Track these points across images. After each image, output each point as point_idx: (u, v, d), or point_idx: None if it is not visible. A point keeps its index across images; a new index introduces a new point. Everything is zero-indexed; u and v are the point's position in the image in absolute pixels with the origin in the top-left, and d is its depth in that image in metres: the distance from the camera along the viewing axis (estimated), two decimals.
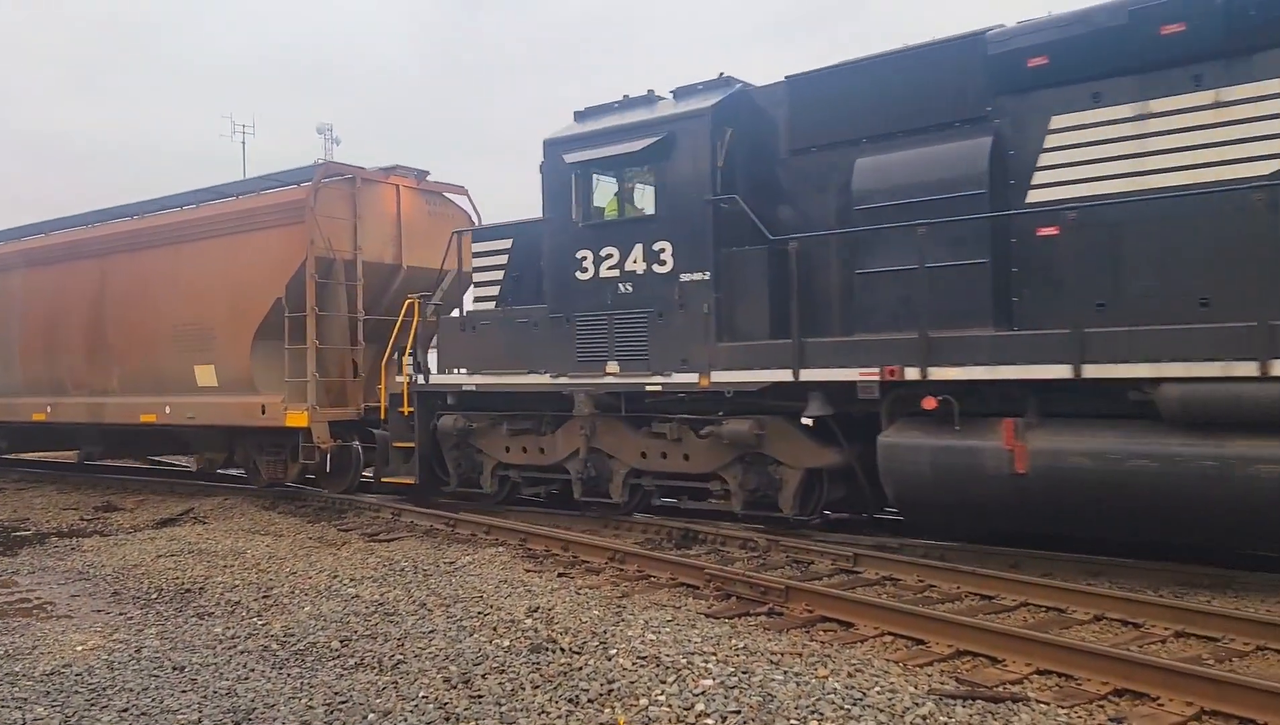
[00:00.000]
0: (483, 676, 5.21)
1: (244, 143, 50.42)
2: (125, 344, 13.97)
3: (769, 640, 5.75)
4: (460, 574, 7.74)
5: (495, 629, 6.08)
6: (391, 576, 7.74)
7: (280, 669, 5.52)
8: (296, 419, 11.78)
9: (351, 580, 7.65)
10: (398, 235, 12.98)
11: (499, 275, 10.97)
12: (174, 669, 5.57)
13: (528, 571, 7.84)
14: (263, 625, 6.41)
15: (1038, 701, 4.71)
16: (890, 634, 5.91)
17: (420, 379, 11.17)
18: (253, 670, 5.51)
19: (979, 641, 5.49)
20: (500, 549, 8.76)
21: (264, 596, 7.26)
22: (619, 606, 6.56)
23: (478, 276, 11.26)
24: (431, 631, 6.08)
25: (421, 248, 12.96)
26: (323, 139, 45.37)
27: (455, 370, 11.11)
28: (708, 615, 6.40)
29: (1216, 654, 5.42)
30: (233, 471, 14.65)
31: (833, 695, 4.62)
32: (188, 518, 11.35)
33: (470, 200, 13.83)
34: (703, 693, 4.74)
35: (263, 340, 12.23)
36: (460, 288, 12.30)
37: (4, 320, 15.88)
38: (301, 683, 5.26)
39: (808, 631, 6.10)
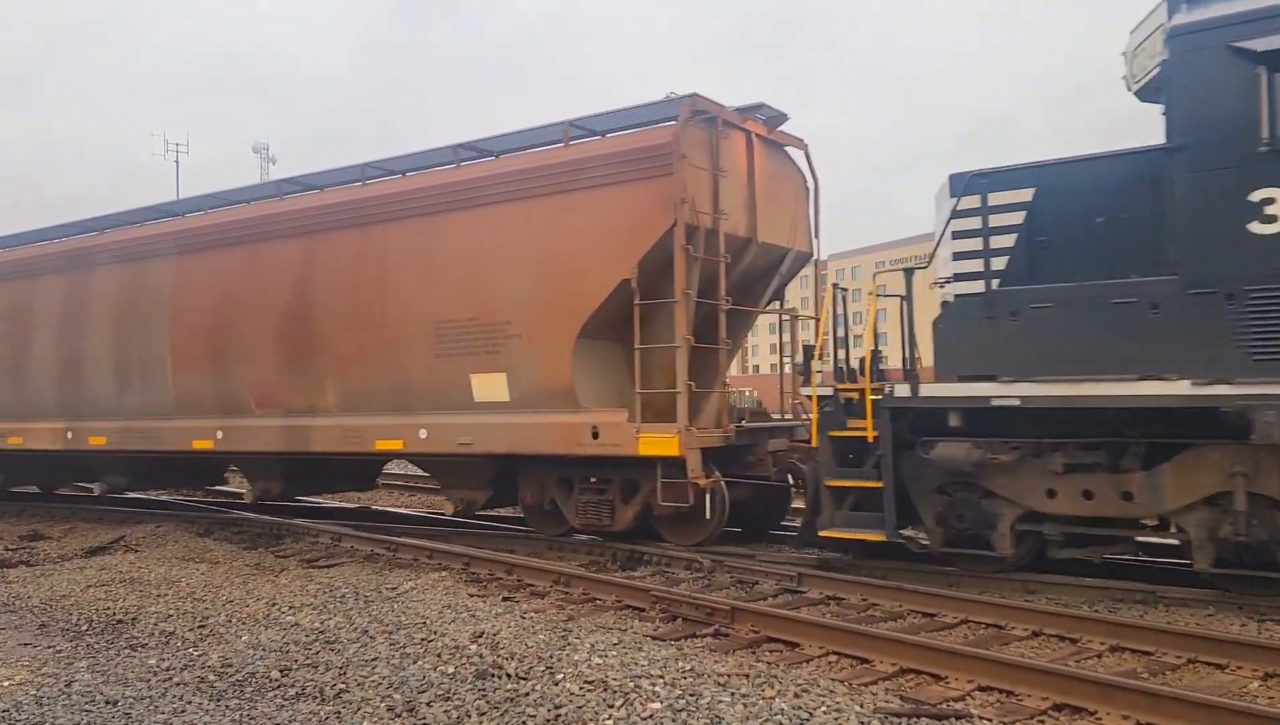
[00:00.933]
0: (428, 704, 5.13)
1: (177, 161, 49.22)
2: (348, 348, 10.63)
3: (715, 662, 5.77)
4: (403, 600, 7.62)
5: (440, 656, 6.00)
6: (332, 603, 7.59)
7: (218, 701, 5.38)
8: (658, 445, 8.70)
9: (291, 608, 7.49)
10: (750, 199, 9.69)
11: (1007, 241, 7.58)
12: (106, 703, 5.38)
13: (472, 596, 7.76)
14: (199, 656, 6.24)
15: (980, 718, 4.80)
16: (835, 653, 5.97)
17: (897, 390, 7.76)
18: (189, 703, 5.35)
19: (922, 659, 5.57)
20: (443, 574, 8.65)
21: (200, 626, 7.07)
22: (565, 630, 6.53)
23: (959, 245, 7.77)
24: (374, 659, 5.98)
25: (772, 217, 9.97)
26: (259, 158, 44.78)
27: (957, 378, 7.64)
28: (654, 638, 6.39)
29: (1150, 667, 5.58)
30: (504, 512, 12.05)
31: (780, 716, 4.65)
32: (119, 546, 11.00)
33: (809, 159, 10.63)
34: (650, 716, 4.73)
35: (587, 339, 9.27)
36: (769, 269, 9.92)
37: (145, 322, 12.42)
38: (240, 715, 5.12)
39: (754, 652, 6.13)
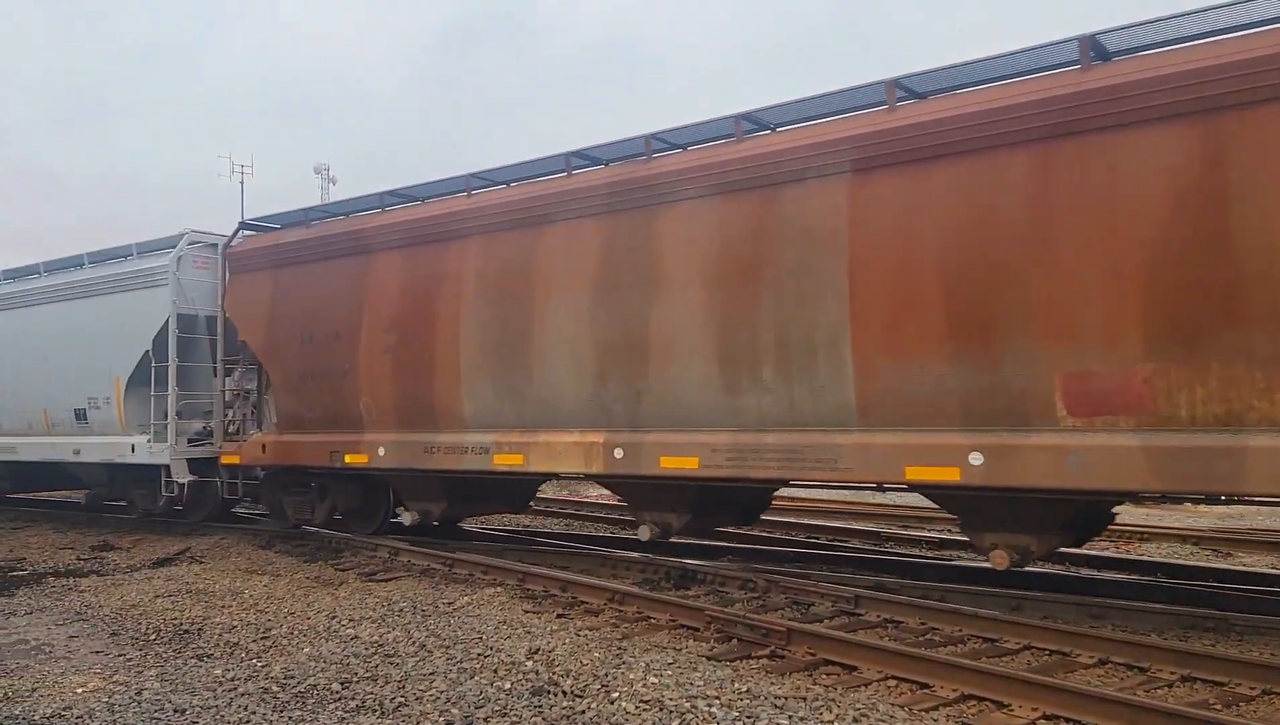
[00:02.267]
0: (484, 720, 5.17)
1: (242, 183, 50.53)
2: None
3: (772, 684, 5.73)
4: (459, 614, 7.70)
5: (496, 671, 6.05)
6: (390, 617, 7.70)
7: (281, 712, 5.48)
8: None
9: (350, 621, 7.60)
10: None
11: None
12: (175, 712, 5.52)
13: (527, 612, 7.80)
14: (262, 667, 6.36)
15: None
16: (894, 677, 5.88)
17: None
18: (254, 713, 5.46)
19: (985, 685, 5.47)
20: (498, 589, 8.71)
21: (263, 637, 7.21)
22: (620, 648, 6.53)
23: None
24: (432, 673, 6.04)
25: None
26: (320, 178, 45.70)
27: None
28: (709, 658, 6.37)
29: (1223, 698, 5.41)
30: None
31: None
32: (184, 557, 11.28)
33: None
34: None
35: None
36: None
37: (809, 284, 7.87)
38: None
39: (810, 675, 6.07)
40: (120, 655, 6.87)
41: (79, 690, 6.02)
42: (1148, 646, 6.16)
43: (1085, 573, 9.37)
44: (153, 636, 7.43)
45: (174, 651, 6.91)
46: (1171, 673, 5.83)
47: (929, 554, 10.84)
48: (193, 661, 6.60)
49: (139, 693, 5.91)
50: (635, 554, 10.02)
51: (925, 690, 5.66)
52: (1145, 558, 10.39)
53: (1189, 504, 14.12)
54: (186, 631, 7.53)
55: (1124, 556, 10.34)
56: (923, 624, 7.18)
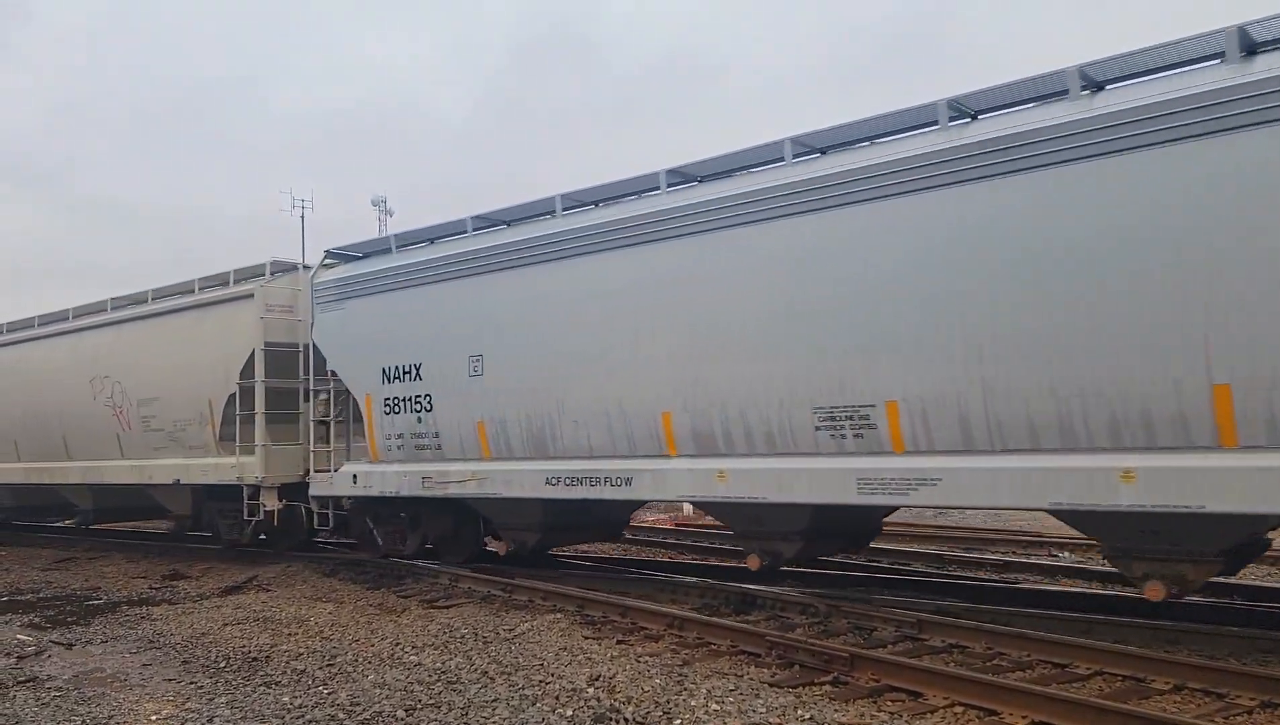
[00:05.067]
0: None
1: (303, 217, 51.89)
2: None
3: (836, 710, 5.67)
4: (520, 641, 7.74)
5: (558, 698, 6.07)
6: (452, 644, 7.77)
7: None
8: None
9: (413, 648, 7.69)
10: None
11: None
12: None
13: (586, 638, 7.82)
14: (329, 694, 6.46)
15: None
16: (961, 704, 5.77)
17: None
18: None
19: (1056, 712, 5.34)
20: (558, 615, 8.75)
21: (328, 664, 7.33)
22: (681, 675, 6.52)
23: None
24: (494, 700, 6.08)
25: None
26: (377, 211, 46.69)
27: None
28: (771, 684, 6.31)
29: None
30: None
31: None
32: (252, 585, 11.51)
33: None
34: None
35: None
36: None
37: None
38: None
39: (875, 701, 5.98)
40: (192, 683, 7.03)
41: (153, 718, 6.17)
42: (1225, 671, 5.96)
43: None
44: (223, 664, 7.60)
45: (243, 679, 7.06)
46: (1251, 699, 5.63)
47: (994, 577, 10.63)
48: (261, 689, 6.73)
49: (210, 720, 6.04)
50: (693, 579, 9.99)
51: (993, 717, 5.54)
52: (1220, 580, 10.06)
53: None
54: (255, 659, 7.68)
55: None
56: (989, 649, 7.04)
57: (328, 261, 12.57)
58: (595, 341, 9.38)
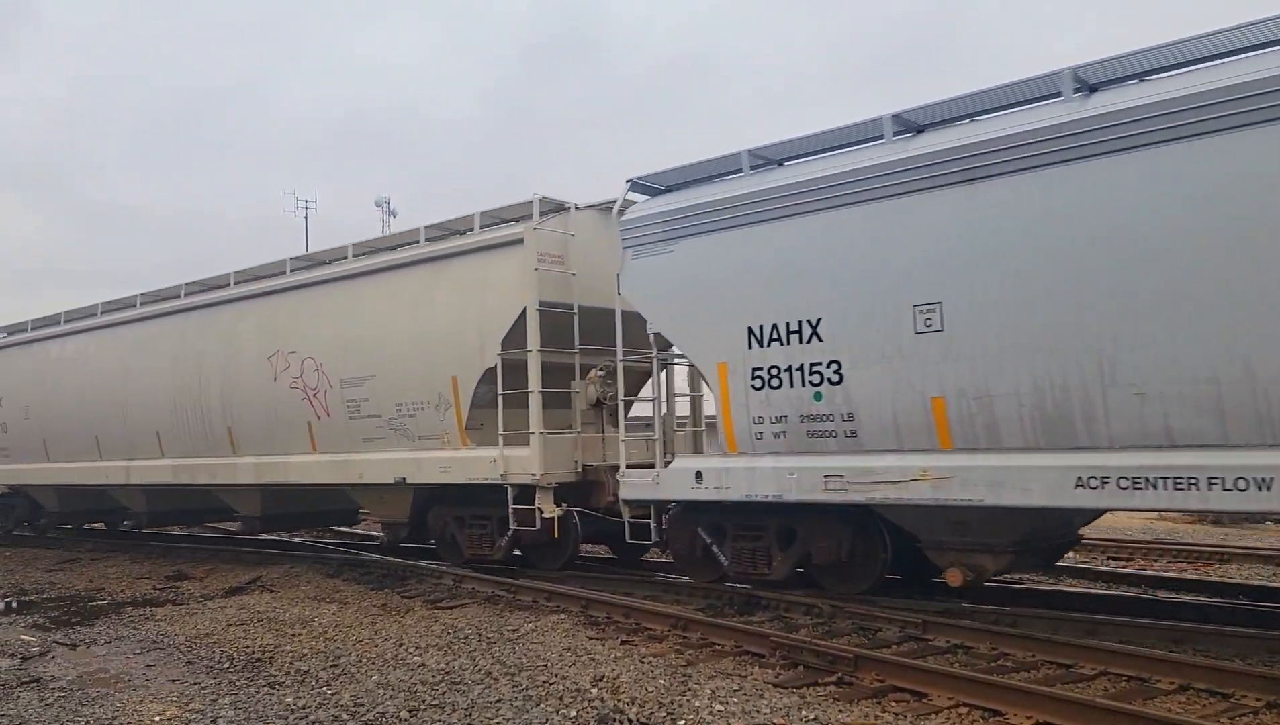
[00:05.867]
0: None
1: (306, 218, 51.95)
2: None
3: (840, 711, 5.66)
4: (524, 641, 7.74)
5: (561, 699, 6.06)
6: (456, 644, 7.77)
7: None
8: None
9: (417, 648, 7.69)
10: None
11: None
12: None
13: (590, 639, 7.81)
14: (332, 695, 6.46)
15: None
16: (966, 704, 5.75)
17: None
18: None
19: (1061, 713, 5.32)
20: (562, 616, 8.74)
21: (332, 665, 7.32)
22: (685, 675, 6.51)
23: None
24: (498, 701, 6.08)
25: None
26: (380, 211, 46.77)
27: None
28: (775, 685, 6.30)
29: None
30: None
31: None
32: (255, 586, 11.52)
33: None
34: None
35: None
36: None
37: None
38: None
39: (879, 702, 5.96)
40: (195, 684, 7.03)
41: (157, 719, 6.17)
42: (1231, 672, 5.94)
43: (1163, 595, 9.09)
44: (226, 665, 7.59)
45: (247, 680, 7.06)
46: (1257, 699, 5.61)
47: (998, 577, 10.60)
48: (265, 690, 6.73)
49: (214, 721, 6.04)
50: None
51: (998, 718, 5.53)
52: (1226, 579, 10.05)
53: (1270, 523, 13.63)
54: (258, 660, 7.68)
55: (1203, 578, 10.00)
56: (993, 649, 7.02)
57: (631, 196, 9.67)
58: (1197, 272, 6.31)
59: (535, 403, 9.88)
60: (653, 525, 9.31)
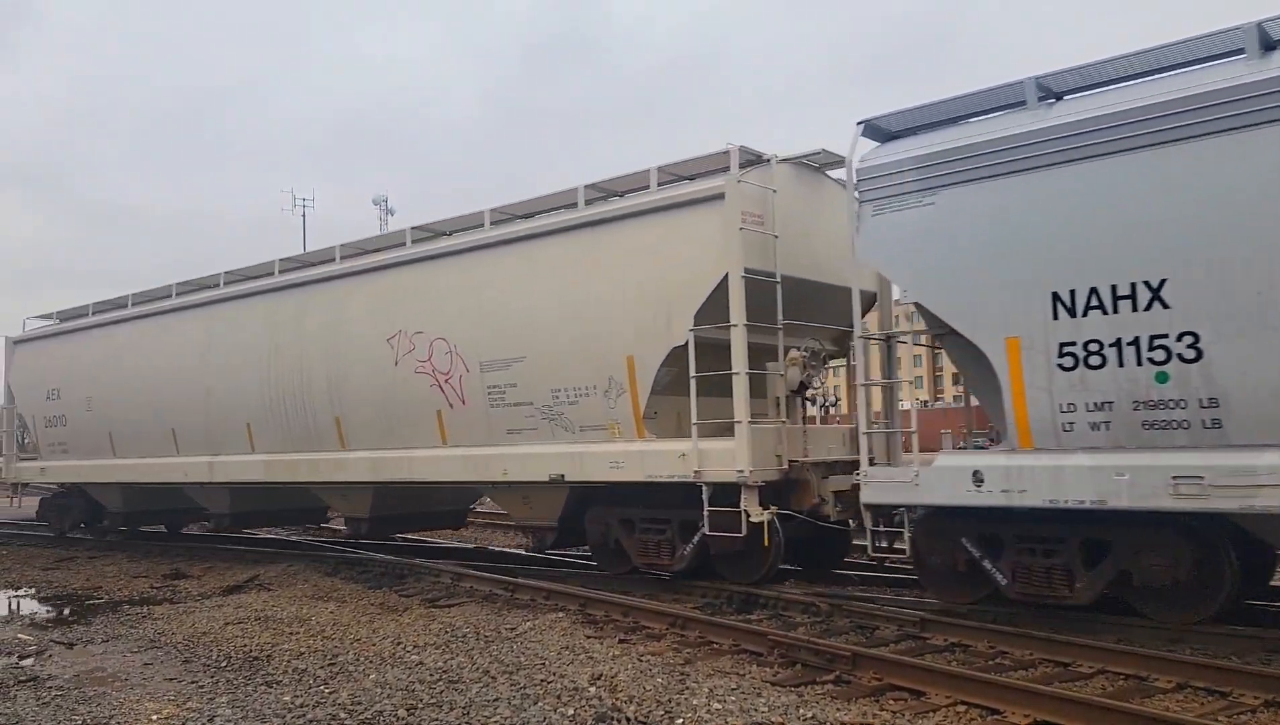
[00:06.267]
0: None
1: (304, 216, 52.06)
2: None
3: (838, 709, 5.65)
4: (522, 640, 7.73)
5: (559, 697, 6.06)
6: (454, 643, 7.76)
7: None
8: None
9: (415, 647, 7.68)
10: None
11: None
12: None
13: (589, 638, 7.80)
14: (330, 693, 6.45)
15: None
16: (964, 703, 5.75)
17: None
18: None
19: (1059, 712, 5.32)
20: (560, 614, 8.73)
21: (330, 664, 7.31)
22: (682, 674, 6.50)
23: None
24: (496, 700, 6.07)
25: None
26: (378, 210, 46.79)
27: None
28: (773, 683, 6.30)
29: None
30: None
31: None
32: (253, 585, 11.50)
33: None
34: None
35: None
36: None
37: None
38: None
39: (877, 700, 5.96)
40: (193, 682, 7.02)
41: (154, 718, 6.15)
42: (1228, 670, 5.95)
43: None
44: (223, 663, 7.58)
45: (244, 678, 7.04)
46: (1255, 697, 5.61)
47: None
48: (262, 688, 6.72)
49: (211, 719, 6.03)
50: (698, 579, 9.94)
51: (996, 716, 5.53)
52: None
53: None
54: (256, 658, 7.66)
55: None
56: (991, 647, 7.02)
57: (867, 139, 8.13)
58: None
59: (742, 386, 8.44)
60: (908, 535, 7.77)
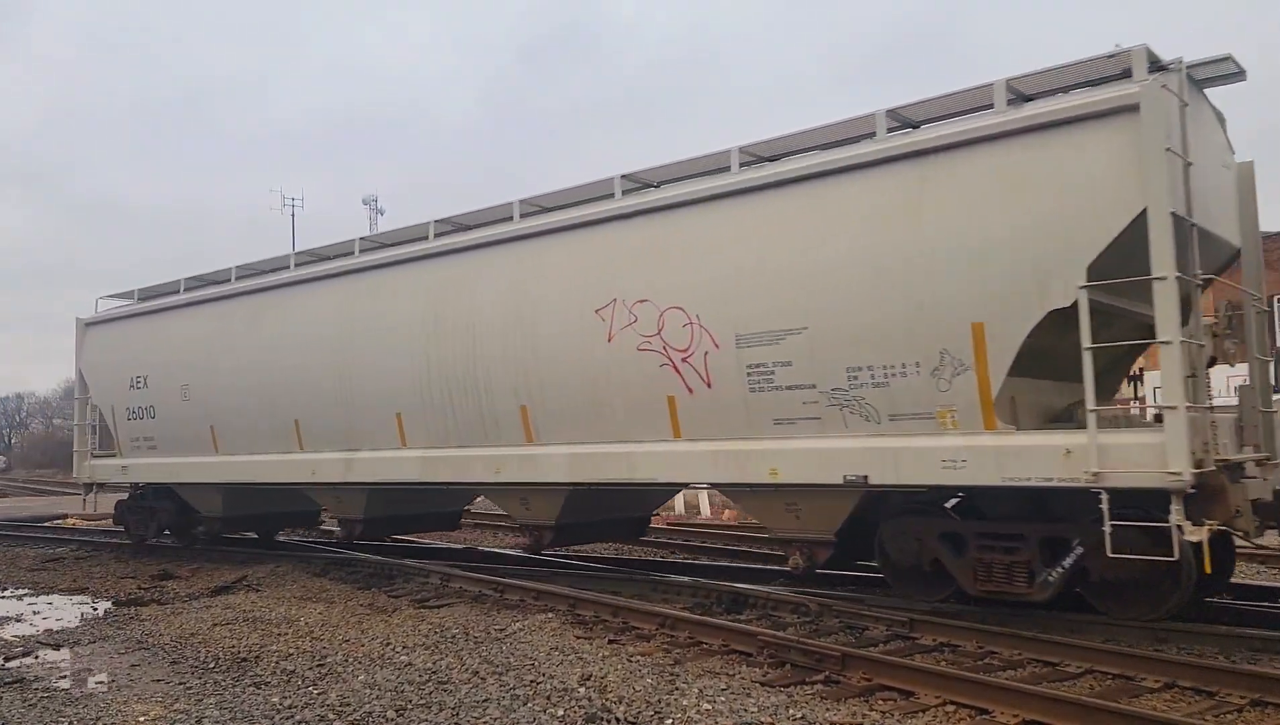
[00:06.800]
0: None
1: (293, 215, 51.89)
2: None
3: (828, 710, 5.66)
4: (511, 641, 7.72)
5: (549, 698, 6.05)
6: (443, 644, 7.74)
7: None
8: None
9: (404, 648, 7.66)
10: None
11: None
12: None
13: (578, 638, 7.79)
14: (319, 695, 6.42)
15: None
16: (953, 703, 5.77)
17: None
18: None
19: (1048, 711, 5.34)
20: (550, 615, 8.72)
21: (319, 665, 7.28)
22: (672, 674, 6.50)
23: None
24: (485, 700, 6.06)
25: None
26: (368, 209, 46.68)
27: None
28: (763, 684, 6.30)
29: None
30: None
31: None
32: (241, 585, 11.45)
33: None
34: None
35: None
36: None
37: None
38: None
39: (866, 700, 5.98)
40: (181, 684, 6.99)
41: (141, 719, 6.12)
42: (1215, 670, 5.98)
43: None
44: (211, 665, 7.55)
45: (232, 680, 7.01)
46: (1241, 697, 5.65)
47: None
48: (250, 690, 6.69)
49: (199, 721, 6.00)
50: (686, 579, 9.97)
51: (985, 716, 5.55)
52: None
53: None
54: (244, 659, 7.63)
55: None
56: (980, 648, 7.05)
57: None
58: None
59: (1174, 359, 6.34)
60: None
